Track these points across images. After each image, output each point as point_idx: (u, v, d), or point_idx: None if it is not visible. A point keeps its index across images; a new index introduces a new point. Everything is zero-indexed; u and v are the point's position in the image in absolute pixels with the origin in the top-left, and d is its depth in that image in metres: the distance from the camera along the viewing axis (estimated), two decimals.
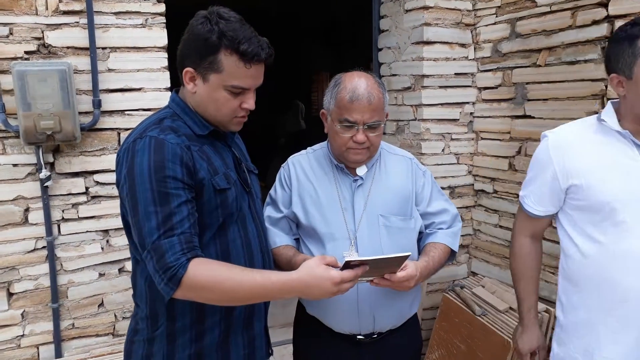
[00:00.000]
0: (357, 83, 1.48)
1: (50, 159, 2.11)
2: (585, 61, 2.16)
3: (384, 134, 1.68)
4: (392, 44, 2.86)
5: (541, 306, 2.39)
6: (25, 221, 2.10)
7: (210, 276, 1.17)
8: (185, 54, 1.28)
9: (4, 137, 2.05)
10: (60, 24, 2.06)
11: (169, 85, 2.23)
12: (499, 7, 2.58)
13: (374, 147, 1.56)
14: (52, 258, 2.13)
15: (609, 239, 1.41)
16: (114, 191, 2.18)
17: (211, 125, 1.34)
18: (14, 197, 2.08)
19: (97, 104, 2.12)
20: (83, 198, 2.17)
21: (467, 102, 2.77)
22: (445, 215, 1.67)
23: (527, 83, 2.45)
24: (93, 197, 2.19)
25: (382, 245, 1.55)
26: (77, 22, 2.08)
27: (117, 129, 2.19)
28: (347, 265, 1.23)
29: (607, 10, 2.05)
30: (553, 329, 2.39)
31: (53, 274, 2.14)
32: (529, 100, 2.45)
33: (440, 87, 2.69)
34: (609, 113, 1.46)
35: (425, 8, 2.60)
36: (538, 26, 2.36)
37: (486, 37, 2.67)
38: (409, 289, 1.46)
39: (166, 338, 1.32)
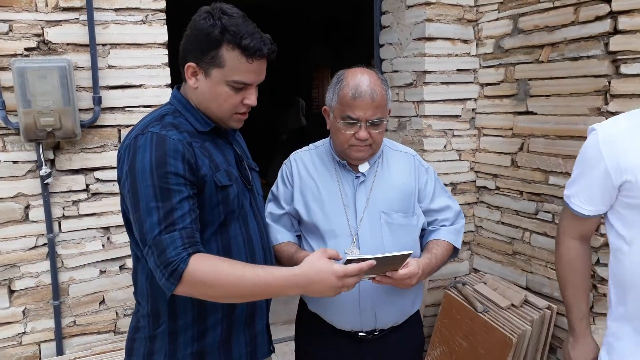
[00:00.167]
0: (359, 80, 1.47)
1: (51, 156, 2.10)
2: (588, 57, 2.15)
3: (386, 130, 1.68)
4: (394, 40, 2.85)
5: (543, 302, 2.39)
6: (25, 218, 2.10)
7: (212, 271, 1.15)
8: (188, 48, 1.28)
9: (4, 134, 2.04)
10: (60, 21, 2.05)
11: (169, 81, 2.22)
12: (501, 3, 2.57)
13: (377, 144, 1.55)
14: (52, 255, 2.13)
15: None
16: (115, 188, 2.18)
17: (212, 122, 1.33)
18: (14, 194, 2.07)
19: (97, 100, 2.11)
20: (83, 195, 2.17)
21: (469, 99, 2.76)
22: (448, 212, 1.66)
23: (530, 79, 2.44)
24: (94, 194, 2.18)
25: (384, 242, 1.54)
26: (77, 19, 2.07)
27: (117, 125, 2.18)
28: (349, 263, 1.22)
29: (610, 6, 2.04)
30: (556, 326, 2.39)
31: (54, 271, 2.14)
32: (531, 96, 2.44)
33: (442, 83, 2.68)
34: None
35: (427, 4, 2.58)
36: (540, 22, 2.35)
37: (488, 33, 2.65)
38: (411, 287, 1.46)
39: (168, 336, 1.31)
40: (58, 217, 2.14)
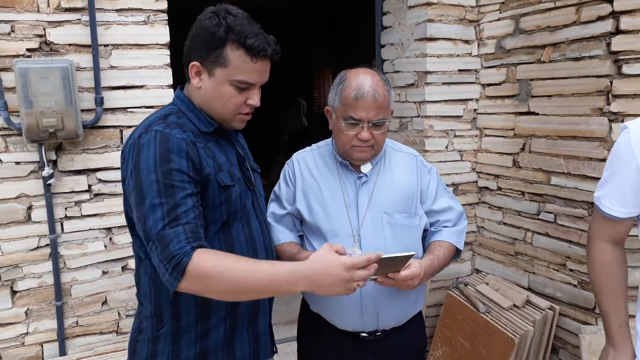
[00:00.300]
0: (362, 80, 1.47)
1: (53, 157, 2.10)
2: (590, 57, 2.15)
3: (388, 131, 1.68)
4: (395, 41, 2.85)
5: (545, 303, 2.39)
6: (28, 219, 2.10)
7: (216, 265, 1.12)
8: (192, 48, 1.28)
9: (6, 135, 2.04)
10: (62, 21, 2.05)
11: (171, 82, 2.22)
12: (503, 3, 2.56)
13: (379, 145, 1.55)
14: (55, 256, 2.13)
15: None
16: (117, 189, 2.18)
17: (216, 123, 1.33)
18: (16, 195, 2.07)
19: (99, 101, 2.11)
20: (86, 196, 2.17)
21: (471, 99, 2.76)
22: (451, 213, 1.66)
23: (531, 79, 2.44)
24: (96, 195, 2.18)
25: (385, 243, 1.54)
26: (79, 19, 2.07)
27: (119, 126, 2.18)
28: None
29: (612, 6, 2.04)
30: (558, 327, 2.39)
31: (56, 272, 2.14)
32: (533, 96, 2.44)
33: (444, 83, 2.68)
34: None
35: (429, 4, 2.58)
36: (542, 22, 2.35)
37: (490, 34, 2.65)
38: (413, 288, 1.45)
39: (171, 337, 1.31)
40: (60, 218, 2.14)
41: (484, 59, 2.71)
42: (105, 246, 2.22)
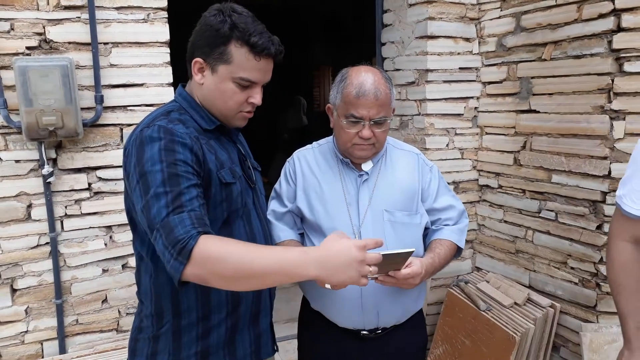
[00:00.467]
0: (363, 78, 1.47)
1: (53, 155, 2.10)
2: (592, 55, 2.14)
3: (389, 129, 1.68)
4: (396, 39, 2.84)
5: (546, 301, 2.39)
6: (28, 217, 2.10)
7: (223, 247, 1.08)
8: (196, 44, 1.28)
9: (6, 133, 2.04)
10: (62, 19, 2.04)
11: (171, 80, 2.22)
12: (504, 0, 2.56)
13: (380, 143, 1.54)
14: (55, 254, 2.13)
15: None
16: (117, 187, 2.18)
17: (217, 121, 1.33)
18: (16, 193, 2.07)
19: (99, 99, 2.10)
20: (86, 194, 2.17)
21: (472, 97, 2.76)
22: (452, 212, 1.66)
23: (532, 77, 2.43)
24: (96, 193, 2.18)
25: (386, 241, 1.53)
26: (79, 17, 2.06)
27: (119, 124, 2.18)
28: None
29: (613, 4, 2.03)
30: (559, 324, 2.39)
31: (56, 270, 2.14)
32: (534, 94, 2.44)
33: (445, 81, 2.68)
34: None
35: (429, 2, 2.58)
36: (543, 20, 2.34)
37: (491, 31, 2.65)
38: (414, 287, 1.45)
39: (172, 335, 1.31)
40: (60, 216, 2.14)
41: (485, 57, 2.71)
42: (106, 244, 2.22)
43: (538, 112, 2.42)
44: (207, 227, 1.12)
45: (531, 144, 2.48)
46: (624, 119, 2.06)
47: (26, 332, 2.15)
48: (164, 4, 2.18)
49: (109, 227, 2.22)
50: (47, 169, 2.05)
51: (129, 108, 2.18)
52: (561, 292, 2.39)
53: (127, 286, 2.26)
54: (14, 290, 2.12)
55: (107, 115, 2.15)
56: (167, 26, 2.19)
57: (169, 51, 2.21)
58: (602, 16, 2.08)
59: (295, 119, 7.99)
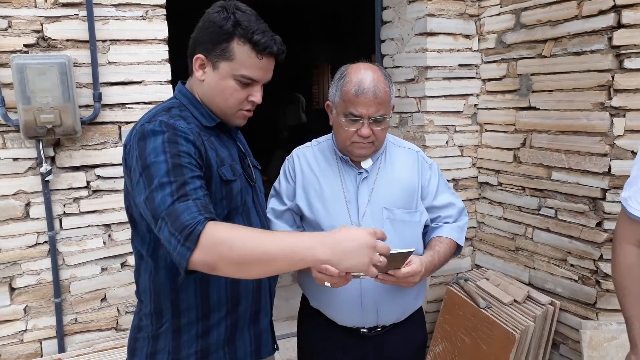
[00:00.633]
0: (363, 76, 1.46)
1: (51, 153, 2.09)
2: (592, 52, 2.13)
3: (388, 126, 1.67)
4: (395, 36, 2.83)
5: (546, 298, 2.39)
6: (26, 216, 2.09)
7: (232, 231, 1.05)
8: (198, 40, 1.28)
9: (4, 131, 2.03)
10: (60, 17, 2.03)
11: (169, 78, 2.21)
12: None
13: (379, 141, 1.53)
14: (54, 253, 2.12)
15: None
16: (116, 185, 2.17)
17: (217, 118, 1.32)
18: (14, 192, 2.06)
19: (97, 97, 2.10)
20: (84, 192, 2.16)
21: (471, 94, 2.75)
22: (452, 209, 1.65)
23: (532, 74, 2.43)
24: (94, 192, 2.17)
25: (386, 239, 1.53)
26: (77, 15, 2.05)
27: (118, 122, 2.17)
28: None
29: (613, 0, 2.02)
30: (558, 322, 2.39)
31: (55, 269, 2.13)
32: (533, 91, 2.43)
33: (444, 78, 2.67)
34: None
35: None
36: (543, 16, 2.33)
37: (490, 28, 2.64)
38: (414, 285, 1.45)
39: (171, 334, 1.30)
40: (59, 215, 2.13)
41: (485, 54, 2.70)
42: (104, 243, 2.21)
43: (538, 109, 2.41)
44: (212, 214, 1.10)
45: (531, 141, 2.47)
46: (624, 115, 2.06)
47: (25, 331, 2.14)
48: (163, 1, 2.17)
49: (108, 226, 2.21)
50: (45, 167, 2.05)
51: (127, 106, 2.17)
52: (561, 290, 2.39)
53: (126, 285, 2.26)
54: (12, 289, 2.11)
55: (106, 113, 2.14)
56: (165, 23, 2.18)
57: (168, 48, 2.20)
58: (602, 12, 2.07)
59: (294, 117, 8.00)
